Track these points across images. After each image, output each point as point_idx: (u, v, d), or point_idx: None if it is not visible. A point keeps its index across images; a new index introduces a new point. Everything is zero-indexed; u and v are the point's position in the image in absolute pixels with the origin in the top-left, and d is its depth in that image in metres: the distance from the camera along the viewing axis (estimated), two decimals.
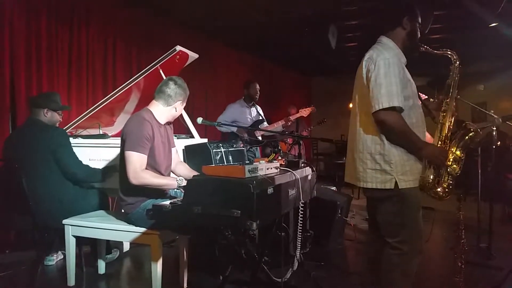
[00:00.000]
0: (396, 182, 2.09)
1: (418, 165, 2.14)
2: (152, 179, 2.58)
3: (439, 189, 2.16)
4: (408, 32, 2.22)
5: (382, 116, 2.04)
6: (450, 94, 2.25)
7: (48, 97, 3.26)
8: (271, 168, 2.41)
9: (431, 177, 2.16)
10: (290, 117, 5.00)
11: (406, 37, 2.22)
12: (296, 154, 6.43)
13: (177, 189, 2.61)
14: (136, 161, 2.56)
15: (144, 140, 2.60)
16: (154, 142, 2.68)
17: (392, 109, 2.03)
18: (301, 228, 2.82)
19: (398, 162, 2.09)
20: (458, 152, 2.19)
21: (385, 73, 2.04)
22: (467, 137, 2.22)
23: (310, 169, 2.86)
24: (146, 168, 2.60)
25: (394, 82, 2.04)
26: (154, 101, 2.79)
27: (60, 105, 3.33)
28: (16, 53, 4.14)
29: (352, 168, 2.28)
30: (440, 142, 2.20)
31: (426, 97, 2.54)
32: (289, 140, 5.95)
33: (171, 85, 2.76)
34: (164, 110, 2.78)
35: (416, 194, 2.15)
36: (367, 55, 2.17)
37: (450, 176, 2.16)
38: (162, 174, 2.73)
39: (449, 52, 2.26)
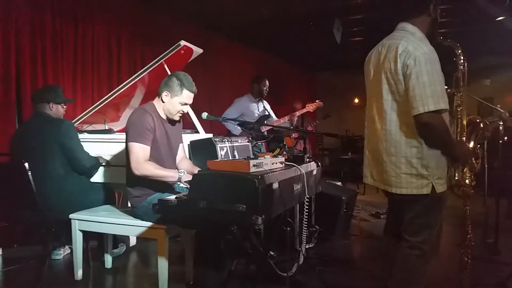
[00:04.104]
0: (433, 186, 1.98)
1: (446, 166, 2.06)
2: (154, 170, 2.59)
3: (466, 188, 2.14)
4: (433, 19, 2.07)
5: (426, 118, 1.87)
6: (461, 87, 2.19)
7: (52, 91, 3.27)
8: (276, 163, 2.41)
9: (457, 175, 2.12)
10: (296, 113, 4.98)
11: (430, 25, 2.07)
12: (302, 149, 6.45)
13: (180, 183, 2.61)
14: (139, 151, 2.57)
15: (146, 131, 2.61)
16: (156, 134, 2.69)
17: (438, 111, 1.87)
18: (306, 223, 2.83)
19: (434, 166, 1.97)
20: (473, 147, 2.17)
21: (428, 71, 1.86)
22: (478, 132, 2.19)
23: (315, 164, 2.86)
24: (150, 160, 2.61)
25: (438, 80, 1.87)
26: (157, 96, 2.81)
27: (64, 98, 3.34)
28: (21, 49, 4.16)
29: (379, 171, 2.12)
30: (459, 137, 2.15)
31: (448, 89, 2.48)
32: (295, 135, 5.94)
33: (169, 79, 2.75)
34: (161, 104, 2.78)
35: (446, 196, 2.07)
36: (400, 47, 1.94)
37: (472, 172, 2.14)
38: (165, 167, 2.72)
39: (456, 44, 2.19)
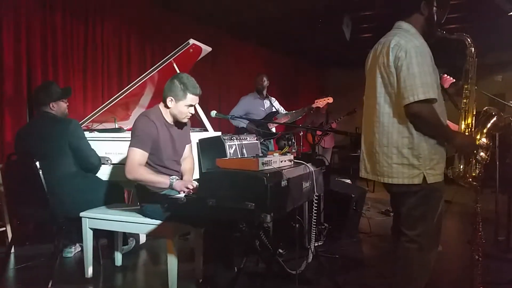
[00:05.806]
0: (424, 176, 2.00)
1: (444, 158, 2.08)
2: (146, 175, 2.61)
3: (470, 179, 2.13)
4: (426, 18, 2.11)
5: (416, 108, 1.91)
6: (469, 79, 2.18)
7: (47, 91, 3.19)
8: (285, 161, 2.41)
9: (461, 166, 2.12)
10: (312, 106, 4.89)
11: (425, 23, 2.11)
12: (325, 146, 6.36)
13: (169, 188, 2.61)
14: (134, 156, 2.60)
15: (145, 138, 2.63)
16: (159, 141, 2.69)
17: (427, 101, 1.91)
18: (315, 221, 2.82)
19: (426, 156, 2.00)
20: (484, 139, 2.15)
21: (418, 62, 1.92)
22: (490, 123, 2.18)
23: (316, 165, 2.79)
24: (151, 167, 2.65)
25: (428, 71, 1.92)
26: (162, 101, 2.79)
27: (60, 93, 3.23)
28: (32, 48, 4.21)
29: (372, 162, 2.16)
30: (466, 130, 2.15)
31: (454, 80, 2.45)
32: (317, 132, 5.90)
33: (172, 84, 2.71)
34: (166, 109, 2.77)
35: (441, 187, 2.08)
36: (392, 42, 2.00)
37: (479, 164, 2.12)
38: (167, 174, 2.72)
39: (464, 35, 2.16)
